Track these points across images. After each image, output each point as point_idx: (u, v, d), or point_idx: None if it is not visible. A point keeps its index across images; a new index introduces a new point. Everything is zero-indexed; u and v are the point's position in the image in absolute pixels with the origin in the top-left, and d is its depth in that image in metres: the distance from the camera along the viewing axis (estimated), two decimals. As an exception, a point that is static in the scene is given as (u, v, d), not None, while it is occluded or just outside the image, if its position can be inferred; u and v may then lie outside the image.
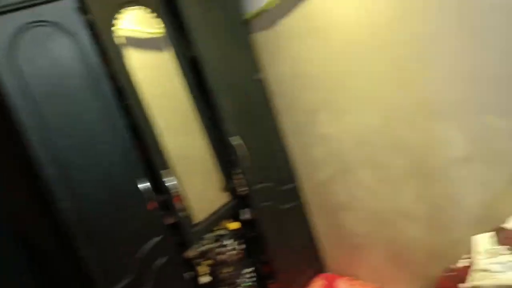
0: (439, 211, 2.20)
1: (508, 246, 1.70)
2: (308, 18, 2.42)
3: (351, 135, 2.50)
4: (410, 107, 2.14)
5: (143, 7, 2.23)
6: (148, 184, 2.01)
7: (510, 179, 1.84)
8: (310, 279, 2.97)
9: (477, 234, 1.87)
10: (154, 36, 2.33)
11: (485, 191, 1.96)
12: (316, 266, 3.05)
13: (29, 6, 1.80)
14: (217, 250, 2.51)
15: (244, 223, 2.60)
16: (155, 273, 2.03)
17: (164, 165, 2.15)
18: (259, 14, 2.65)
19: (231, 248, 2.56)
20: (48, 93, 1.82)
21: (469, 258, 1.79)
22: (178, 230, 2.19)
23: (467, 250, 1.87)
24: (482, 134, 1.89)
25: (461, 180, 2.05)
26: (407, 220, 2.38)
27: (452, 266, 1.81)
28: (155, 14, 2.29)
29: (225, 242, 2.55)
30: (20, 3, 1.78)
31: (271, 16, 2.61)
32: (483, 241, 1.81)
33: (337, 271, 3.03)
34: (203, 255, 2.42)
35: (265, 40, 2.72)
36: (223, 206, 2.52)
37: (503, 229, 1.77)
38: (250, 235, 2.63)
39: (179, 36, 2.38)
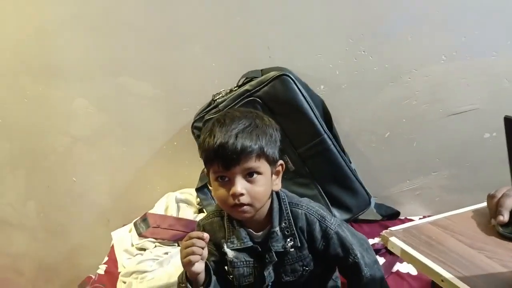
0: (57, 210, 1.77)
1: (154, 238, 1.44)
2: None
3: None
4: (13, 68, 1.60)
5: None
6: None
7: (151, 156, 1.62)
8: None
9: (115, 229, 1.54)
10: None
11: (120, 174, 1.68)
12: None
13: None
14: None
15: None
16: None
17: None
18: None
19: None
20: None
21: (112, 260, 1.43)
22: None
23: (106, 252, 1.50)
24: (117, 102, 1.59)
25: (88, 164, 1.69)
26: (9, 229, 1.82)
27: (91, 276, 1.39)
28: None
29: None
30: None
31: None
32: (126, 236, 1.49)
33: None
34: None
35: None
36: None
37: (146, 218, 1.50)
38: None
39: None
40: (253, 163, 0.91)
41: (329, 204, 1.37)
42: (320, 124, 1.34)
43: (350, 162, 1.45)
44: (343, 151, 1.42)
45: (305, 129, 1.34)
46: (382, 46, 1.42)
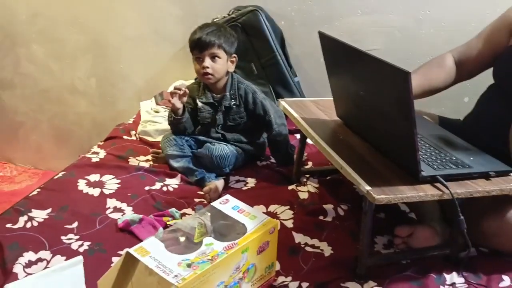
0: (109, 85, 2.45)
1: (166, 105, 2.15)
2: None
3: (24, 4, 2.37)
4: None
5: None
6: None
7: (171, 56, 2.29)
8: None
9: (143, 100, 2.24)
10: None
11: (151, 66, 2.34)
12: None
13: None
14: None
15: None
16: None
17: None
18: None
19: None
20: None
21: (138, 116, 2.15)
22: None
23: (135, 114, 2.22)
24: (155, 17, 2.24)
25: (131, 57, 2.35)
26: (77, 95, 2.52)
27: (124, 122, 2.12)
28: None
29: None
30: None
31: None
32: (148, 104, 2.20)
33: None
34: None
35: None
36: None
37: (162, 93, 2.21)
38: None
39: None
40: (216, 50, 1.57)
41: (275, 98, 2.04)
42: (275, 45, 1.97)
43: (296, 76, 2.10)
44: (290, 66, 2.06)
45: (265, 47, 1.97)
46: (320, 2, 1.98)
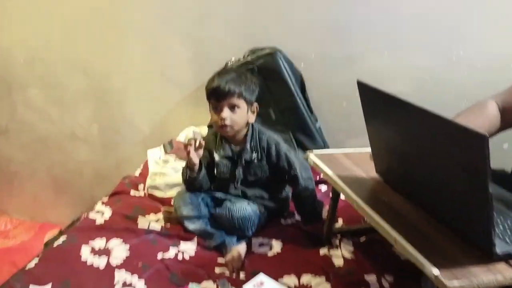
0: (112, 132, 2.31)
1: (176, 155, 2.00)
2: None
3: (21, 48, 2.25)
4: (93, 22, 2.12)
5: None
6: None
7: (180, 99, 2.15)
8: None
9: (151, 148, 2.08)
10: None
11: (158, 110, 2.21)
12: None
13: None
14: None
15: None
16: None
17: None
18: None
19: None
20: None
21: (145, 168, 1.99)
22: None
23: (141, 163, 2.06)
24: (161, 58, 2.12)
25: (136, 101, 2.22)
26: (78, 142, 2.37)
27: (130, 174, 1.96)
28: None
29: None
30: None
31: None
32: (156, 153, 2.05)
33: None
34: None
35: None
36: None
37: (171, 142, 2.06)
38: None
39: None
40: (235, 100, 1.42)
41: (296, 146, 1.88)
42: (295, 89, 1.84)
43: (317, 121, 1.95)
44: (311, 111, 1.92)
45: (284, 91, 1.83)
46: (342, 42, 1.88)
